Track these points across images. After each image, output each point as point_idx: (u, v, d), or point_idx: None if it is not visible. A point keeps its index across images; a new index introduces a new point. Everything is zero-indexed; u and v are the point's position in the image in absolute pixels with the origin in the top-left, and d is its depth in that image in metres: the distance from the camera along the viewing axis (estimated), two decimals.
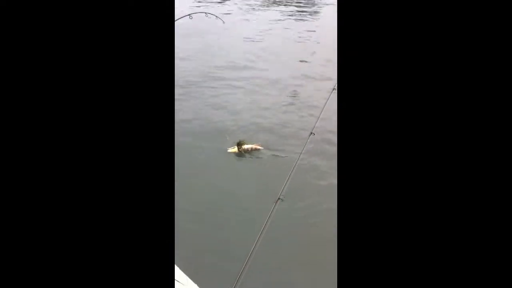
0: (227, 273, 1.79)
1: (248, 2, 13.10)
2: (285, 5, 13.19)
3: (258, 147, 4.68)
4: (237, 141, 4.59)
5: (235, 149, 4.55)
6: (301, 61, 8.14)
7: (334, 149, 4.16)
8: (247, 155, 4.54)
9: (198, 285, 1.97)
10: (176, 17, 1.50)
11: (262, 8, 12.96)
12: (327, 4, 13.11)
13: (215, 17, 3.56)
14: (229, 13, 11.62)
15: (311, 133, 2.51)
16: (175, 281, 1.90)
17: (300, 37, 9.83)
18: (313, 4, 13.59)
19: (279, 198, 2.08)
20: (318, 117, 2.62)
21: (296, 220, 3.51)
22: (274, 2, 13.25)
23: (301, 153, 2.31)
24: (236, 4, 12.94)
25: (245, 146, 4.58)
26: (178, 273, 1.96)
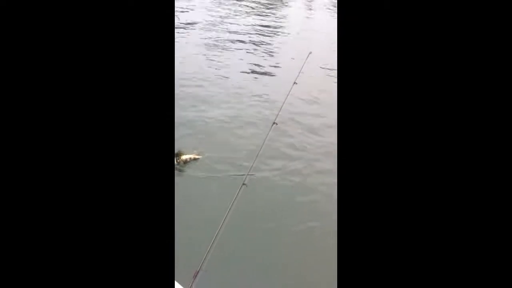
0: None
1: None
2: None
3: (196, 156, 4.38)
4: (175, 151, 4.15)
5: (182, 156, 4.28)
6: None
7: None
8: (184, 168, 4.22)
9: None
10: None
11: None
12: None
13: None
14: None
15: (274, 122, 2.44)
16: None
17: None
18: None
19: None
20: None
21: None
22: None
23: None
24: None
25: (183, 157, 4.26)
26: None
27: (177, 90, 5.85)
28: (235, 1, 13.44)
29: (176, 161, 4.16)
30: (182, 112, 5.33)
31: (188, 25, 9.97)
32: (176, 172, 3.95)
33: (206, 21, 10.75)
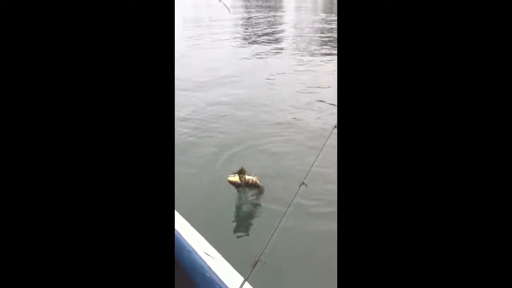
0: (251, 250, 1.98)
1: None
2: None
3: (258, 182, 3.86)
4: (239, 168, 3.71)
5: (236, 178, 3.68)
6: None
7: None
8: (249, 193, 3.82)
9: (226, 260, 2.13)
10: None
11: None
12: None
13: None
14: None
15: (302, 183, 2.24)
16: (205, 254, 2.06)
17: None
18: None
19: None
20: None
21: None
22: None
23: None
24: None
25: (247, 177, 3.72)
26: (208, 247, 2.14)
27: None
28: None
29: (240, 179, 3.68)
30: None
31: None
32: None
33: None
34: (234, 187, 3.73)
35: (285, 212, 2.10)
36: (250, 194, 3.83)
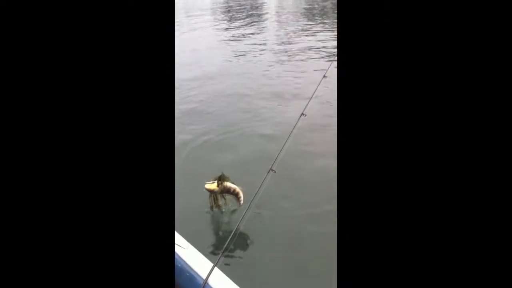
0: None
1: None
2: None
3: (240, 192, 3.24)
4: (219, 174, 3.21)
5: (214, 186, 3.19)
6: None
7: None
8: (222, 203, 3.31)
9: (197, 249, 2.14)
10: None
11: None
12: None
13: None
14: None
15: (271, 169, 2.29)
16: (176, 244, 2.06)
17: None
18: None
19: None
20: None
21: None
22: None
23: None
24: None
25: (228, 184, 3.19)
26: (178, 238, 2.14)
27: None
28: None
29: (218, 186, 3.16)
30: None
31: None
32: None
33: None
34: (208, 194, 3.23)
35: (253, 198, 2.13)
36: (222, 202, 3.27)
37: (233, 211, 3.29)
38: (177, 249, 2.03)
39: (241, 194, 3.20)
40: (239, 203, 3.22)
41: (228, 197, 3.24)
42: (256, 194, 2.15)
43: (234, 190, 3.18)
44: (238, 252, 2.78)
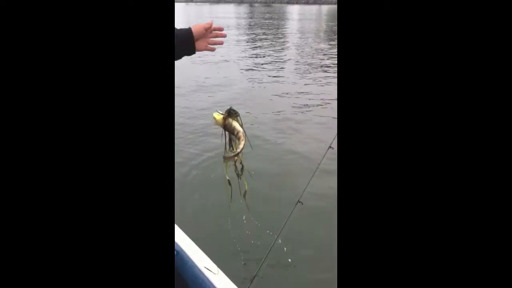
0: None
1: None
2: None
3: (242, 136, 2.50)
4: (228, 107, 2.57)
5: (220, 117, 2.47)
6: None
7: None
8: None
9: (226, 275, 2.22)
10: None
11: None
12: None
13: None
14: None
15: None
16: (206, 269, 2.12)
17: None
18: None
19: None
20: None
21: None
22: None
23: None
24: None
25: (233, 123, 2.42)
26: (208, 262, 2.18)
27: None
28: None
29: (223, 120, 2.39)
30: None
31: None
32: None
33: None
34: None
35: (281, 229, 2.22)
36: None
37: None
38: (207, 274, 2.10)
39: (242, 139, 2.49)
40: (239, 148, 2.39)
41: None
42: (284, 225, 2.24)
43: (238, 132, 2.44)
44: (267, 280, 2.86)
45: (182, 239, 2.33)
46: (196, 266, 2.15)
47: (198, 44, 1.57)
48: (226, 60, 12.78)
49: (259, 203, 4.00)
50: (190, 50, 1.57)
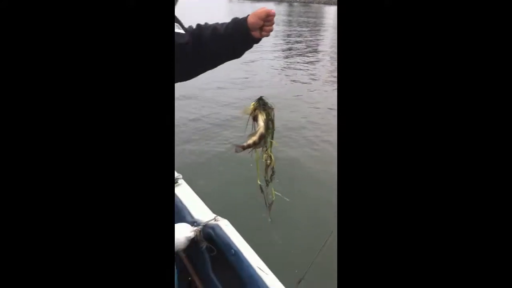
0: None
1: None
2: None
3: (258, 133, 1.79)
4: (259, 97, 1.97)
5: (250, 108, 1.85)
6: None
7: None
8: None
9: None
10: None
11: None
12: None
13: None
14: None
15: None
16: (258, 268, 2.28)
17: None
18: None
19: None
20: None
21: None
22: None
23: None
24: None
25: (259, 120, 1.74)
26: (260, 262, 2.29)
27: None
28: None
29: (253, 111, 1.76)
30: None
31: None
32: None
33: None
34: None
35: (314, 258, 2.20)
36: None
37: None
38: (261, 274, 2.27)
39: (257, 135, 1.92)
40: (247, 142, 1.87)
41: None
42: (317, 254, 2.25)
43: (258, 128, 1.90)
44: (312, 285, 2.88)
45: (238, 241, 2.49)
46: (251, 266, 2.42)
47: (254, 35, 1.41)
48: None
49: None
50: (249, 44, 1.44)
